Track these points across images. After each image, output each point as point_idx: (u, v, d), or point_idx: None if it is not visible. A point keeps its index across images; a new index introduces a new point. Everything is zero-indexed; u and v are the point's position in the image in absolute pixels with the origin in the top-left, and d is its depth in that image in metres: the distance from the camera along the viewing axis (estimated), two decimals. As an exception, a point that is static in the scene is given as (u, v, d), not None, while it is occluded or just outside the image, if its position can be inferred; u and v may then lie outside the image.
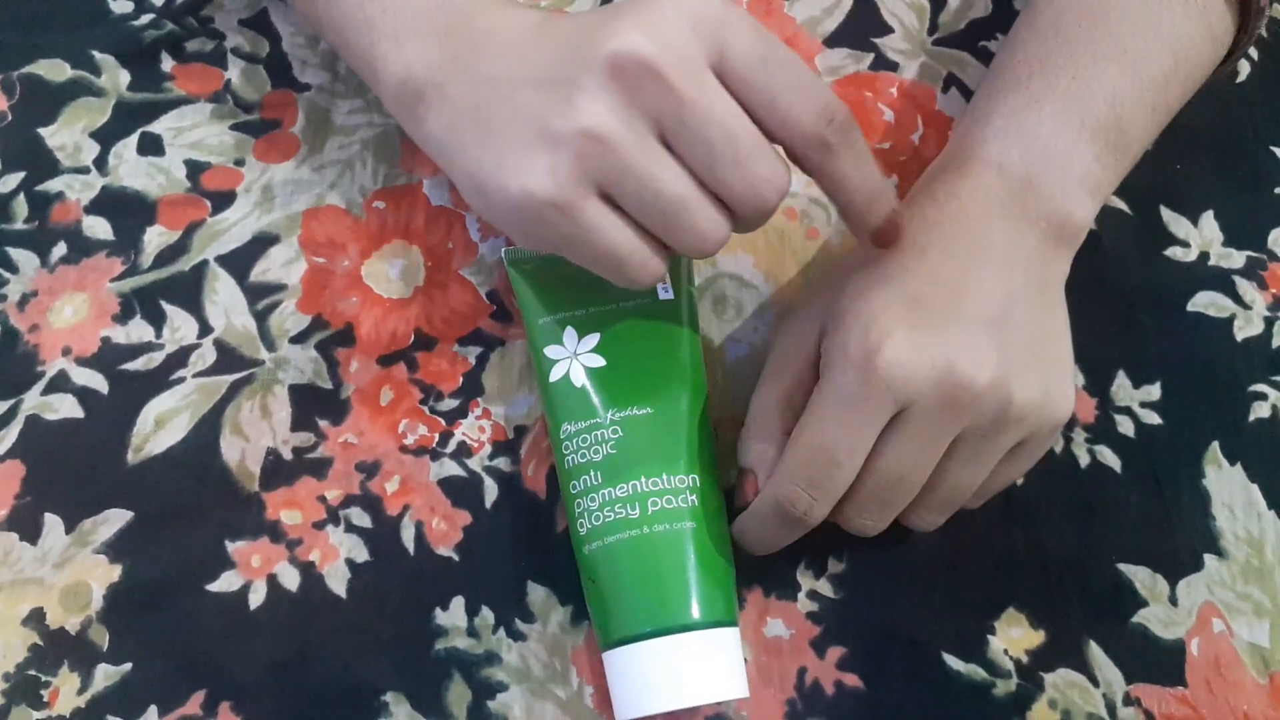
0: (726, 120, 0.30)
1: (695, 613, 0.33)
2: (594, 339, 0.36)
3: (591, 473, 0.34)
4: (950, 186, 0.36)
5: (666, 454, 0.34)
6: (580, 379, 0.35)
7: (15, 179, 0.41)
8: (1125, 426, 0.39)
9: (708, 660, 0.33)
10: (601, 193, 0.30)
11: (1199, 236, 0.42)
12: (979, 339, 0.32)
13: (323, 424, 0.38)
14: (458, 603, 0.36)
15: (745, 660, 0.35)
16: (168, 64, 0.43)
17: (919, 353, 0.31)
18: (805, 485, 0.32)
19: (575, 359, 0.36)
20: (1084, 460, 0.38)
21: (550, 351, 0.36)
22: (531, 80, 0.31)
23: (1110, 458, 0.38)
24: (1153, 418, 0.39)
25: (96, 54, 0.43)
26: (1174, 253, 0.42)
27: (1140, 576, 0.37)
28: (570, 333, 0.36)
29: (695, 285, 0.39)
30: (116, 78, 0.43)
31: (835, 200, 0.33)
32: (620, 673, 0.33)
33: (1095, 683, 0.36)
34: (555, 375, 0.36)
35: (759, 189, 0.30)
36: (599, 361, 0.36)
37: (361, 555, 0.36)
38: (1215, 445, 0.39)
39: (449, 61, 0.33)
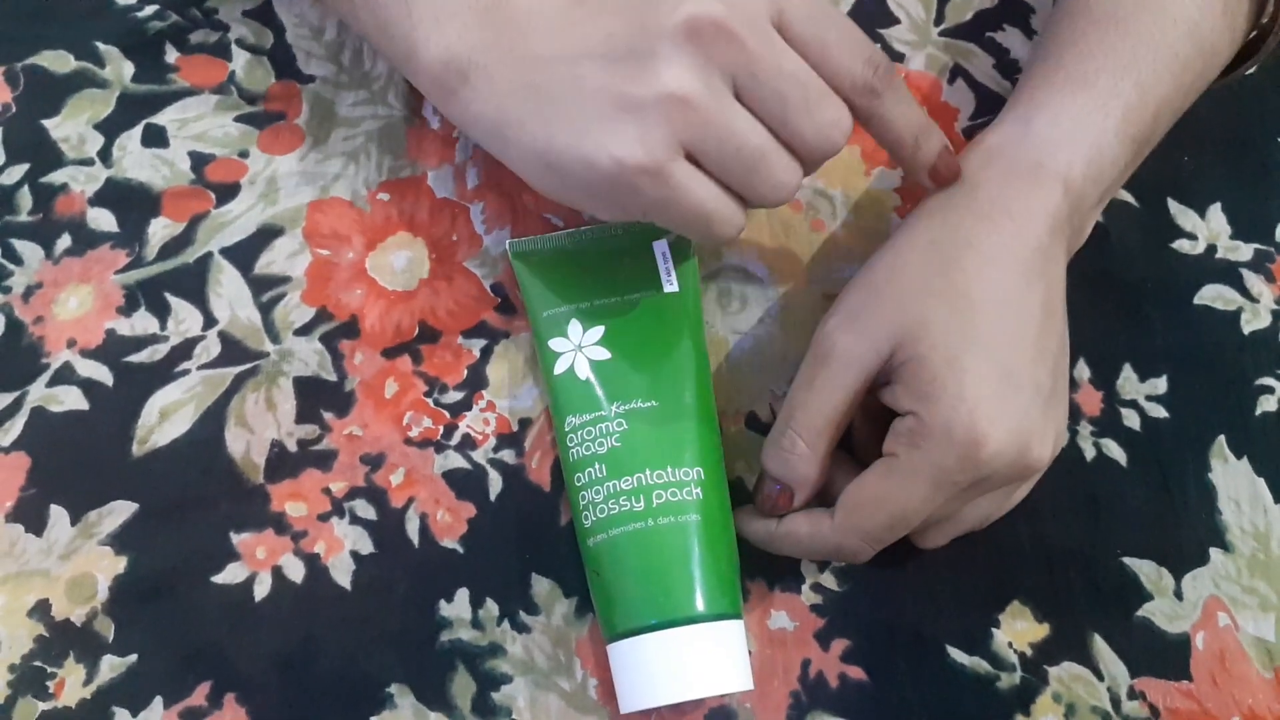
0: (796, 72, 0.32)
1: (699, 605, 0.33)
2: (599, 331, 0.36)
3: (596, 465, 0.34)
4: (1025, 203, 0.34)
5: (671, 446, 0.34)
6: (585, 372, 0.35)
7: (19, 170, 0.41)
8: (1131, 420, 0.39)
9: (711, 653, 0.32)
10: (687, 153, 0.31)
11: (1206, 229, 0.41)
12: (1049, 414, 0.33)
13: (327, 416, 0.38)
14: (462, 595, 0.36)
15: (750, 652, 0.35)
16: (172, 55, 0.43)
17: (1014, 439, 0.32)
18: (871, 542, 0.33)
19: (580, 351, 0.35)
20: (1089, 454, 0.38)
21: (555, 344, 0.36)
22: (595, 54, 0.32)
23: (1116, 451, 0.38)
24: (1159, 411, 0.39)
25: (100, 45, 0.43)
26: (1181, 245, 0.41)
27: (1145, 570, 0.37)
28: (575, 325, 0.36)
29: (701, 277, 0.39)
30: (120, 69, 0.42)
31: (886, 143, 0.35)
32: (624, 665, 0.33)
33: (1100, 676, 0.35)
34: (560, 368, 0.36)
35: (828, 133, 0.32)
36: (604, 354, 0.35)
37: (366, 547, 0.36)
38: (1222, 439, 0.38)
39: (493, 42, 0.33)
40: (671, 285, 0.37)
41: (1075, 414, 0.39)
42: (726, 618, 0.33)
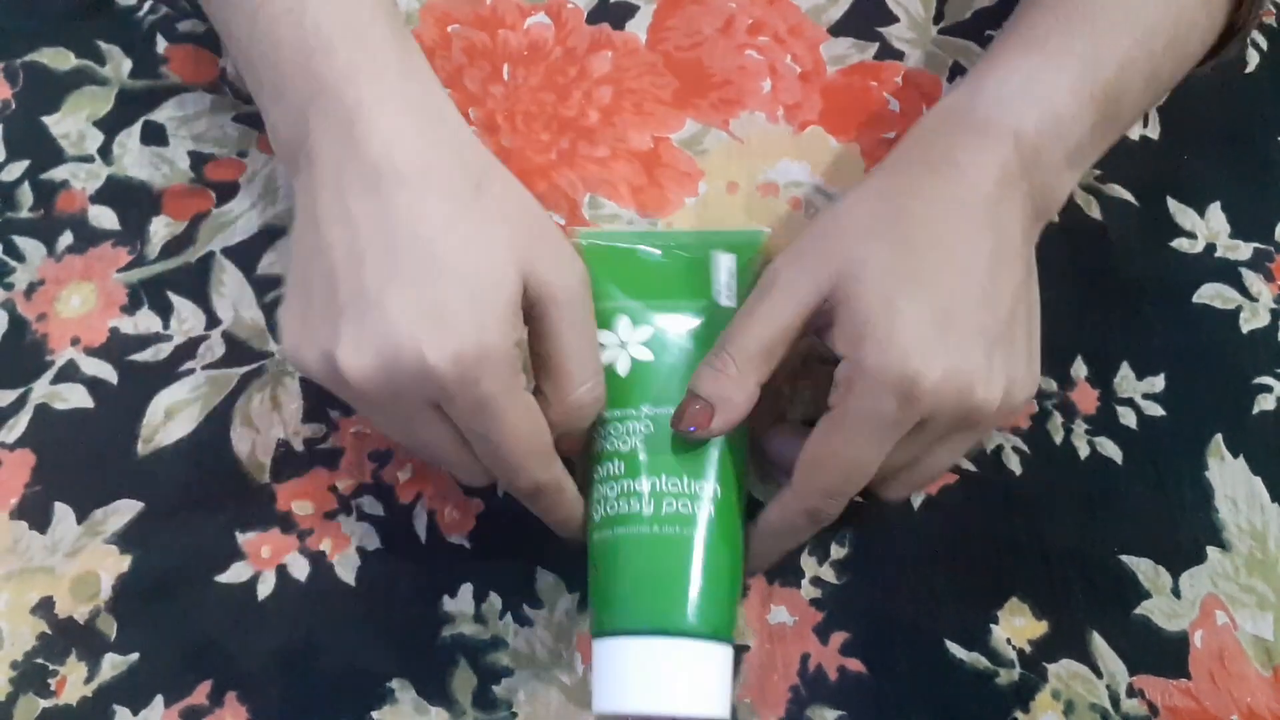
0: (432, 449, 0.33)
1: (688, 620, 0.32)
2: (646, 332, 0.35)
3: (616, 461, 0.34)
4: (973, 155, 0.34)
5: (693, 459, 0.33)
6: (625, 368, 0.34)
7: (20, 167, 0.40)
8: (1127, 418, 0.38)
9: (691, 671, 0.31)
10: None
11: (1205, 228, 0.41)
12: (995, 358, 0.32)
13: (334, 415, 0.37)
14: (466, 590, 0.35)
15: (749, 647, 0.35)
16: (161, 45, 0.42)
17: (952, 379, 0.31)
18: (834, 495, 0.32)
19: (624, 349, 0.35)
20: (1084, 452, 0.38)
21: (601, 337, 0.35)
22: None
23: (1111, 449, 0.38)
24: (1155, 409, 0.38)
25: (100, 43, 0.42)
26: (1180, 244, 0.41)
27: (1143, 568, 0.36)
28: (624, 321, 0.35)
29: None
30: (119, 66, 0.42)
31: None
32: (603, 663, 0.32)
33: (1099, 674, 0.35)
34: (603, 360, 0.35)
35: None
36: (647, 355, 0.35)
37: (373, 543, 0.36)
38: (1219, 438, 0.38)
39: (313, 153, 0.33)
40: (730, 301, 0.35)
41: (1071, 412, 0.38)
42: (715, 639, 0.32)
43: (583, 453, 0.35)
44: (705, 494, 0.33)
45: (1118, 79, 0.35)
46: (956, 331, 0.31)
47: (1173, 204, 0.41)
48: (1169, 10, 0.36)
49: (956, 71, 0.43)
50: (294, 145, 0.33)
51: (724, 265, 0.36)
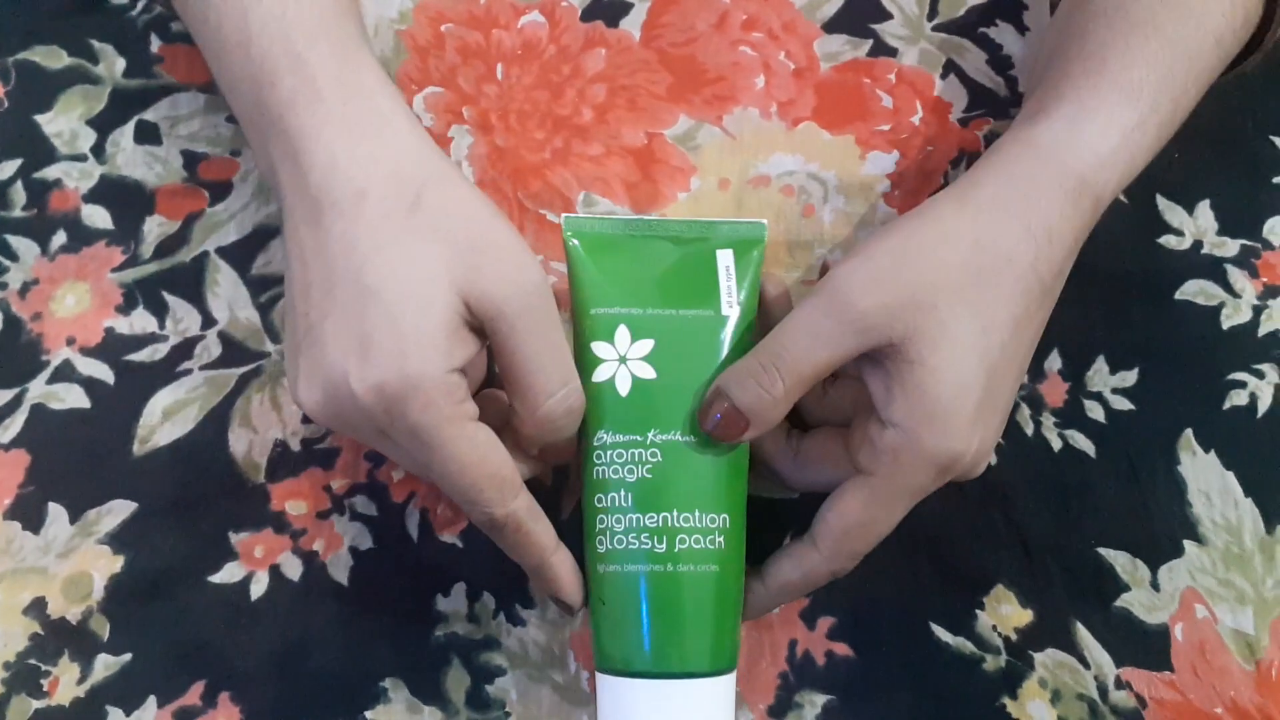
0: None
1: (700, 663, 0.31)
2: (647, 345, 0.32)
3: (621, 492, 0.31)
4: (1065, 224, 0.32)
5: (703, 489, 0.32)
6: (626, 387, 0.32)
7: (13, 166, 0.39)
8: (1095, 411, 0.38)
9: (702, 709, 0.31)
10: None
11: (1193, 225, 0.40)
12: (1000, 424, 0.32)
13: (328, 414, 0.37)
14: (459, 589, 0.35)
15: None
16: (155, 44, 0.41)
17: (981, 459, 0.31)
18: (861, 556, 0.32)
19: (624, 364, 0.32)
20: (1056, 444, 0.37)
21: (598, 349, 0.32)
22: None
23: (1083, 442, 0.37)
24: (1124, 403, 0.38)
25: (94, 41, 0.41)
26: (1167, 241, 0.40)
27: (1121, 561, 0.36)
28: (623, 333, 0.32)
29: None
30: (113, 65, 0.41)
31: None
32: (612, 701, 0.31)
33: (1085, 664, 0.35)
34: (600, 376, 0.32)
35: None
36: (649, 372, 0.32)
37: (365, 543, 0.35)
38: (1189, 432, 0.37)
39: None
40: (731, 308, 0.33)
41: (1039, 405, 0.38)
42: (723, 673, 0.31)
43: (577, 473, 0.33)
44: (717, 525, 0.31)
45: (1172, 132, 0.35)
46: (995, 413, 0.31)
47: (1162, 201, 0.40)
48: (1220, 56, 0.35)
49: (950, 68, 0.42)
50: (267, 175, 0.33)
51: (724, 264, 0.34)
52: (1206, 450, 0.37)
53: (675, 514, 0.31)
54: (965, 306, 0.30)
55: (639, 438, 0.32)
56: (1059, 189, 0.32)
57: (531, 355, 0.30)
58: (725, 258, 0.34)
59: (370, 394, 0.28)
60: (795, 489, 0.34)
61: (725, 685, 0.31)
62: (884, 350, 0.31)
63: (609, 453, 0.32)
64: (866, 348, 0.31)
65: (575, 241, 0.34)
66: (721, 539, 0.31)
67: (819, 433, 0.34)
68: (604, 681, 0.32)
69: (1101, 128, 0.33)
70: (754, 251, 0.34)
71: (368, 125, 0.31)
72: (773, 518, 0.35)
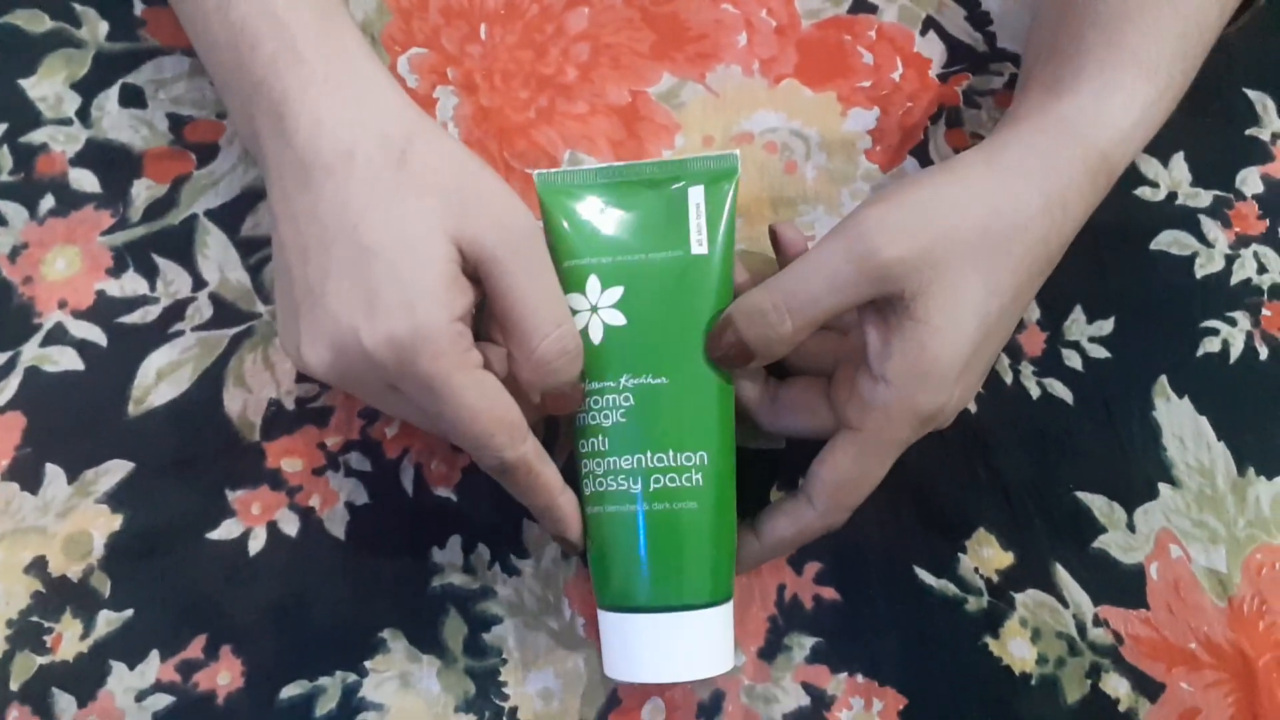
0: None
1: (688, 595, 0.31)
2: (617, 293, 0.32)
3: (599, 437, 0.32)
4: (1080, 198, 0.32)
5: (678, 429, 0.31)
6: (598, 335, 0.32)
7: (-1, 131, 0.38)
8: (1072, 360, 0.38)
9: (697, 640, 0.31)
10: None
11: (1168, 177, 0.40)
12: (981, 379, 0.33)
13: (322, 372, 0.36)
14: (454, 541, 0.35)
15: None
16: (138, 8, 0.40)
17: (956, 410, 0.32)
18: (853, 509, 0.32)
19: (595, 313, 0.32)
20: (1035, 392, 0.37)
21: (571, 300, 0.32)
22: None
23: (1061, 390, 0.37)
24: (1100, 352, 0.38)
25: (76, 5, 0.40)
26: (1143, 192, 0.40)
27: (1098, 504, 0.36)
28: (594, 282, 0.32)
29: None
30: (96, 28, 0.40)
31: None
32: (611, 636, 0.32)
33: (1064, 604, 0.35)
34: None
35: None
36: (620, 319, 0.32)
37: (361, 498, 0.35)
38: (1163, 379, 0.37)
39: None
40: (701, 247, 0.32)
41: (1017, 354, 0.38)
42: (716, 603, 0.31)
43: (569, 425, 0.33)
44: (694, 463, 0.31)
45: (1184, 89, 0.34)
46: (980, 369, 0.31)
47: (1138, 155, 0.40)
48: (1221, 20, 0.35)
49: (929, 25, 0.41)
50: (248, 140, 0.32)
51: (694, 202, 0.33)
52: (1180, 396, 0.37)
53: (649, 455, 0.31)
54: (975, 269, 0.30)
55: (612, 383, 0.31)
56: (1081, 164, 0.32)
57: (523, 297, 0.30)
58: (696, 195, 0.33)
59: (382, 348, 0.28)
60: (772, 434, 0.34)
61: (720, 615, 0.31)
62: (890, 302, 0.30)
63: (588, 399, 0.32)
64: (877, 296, 0.30)
65: (545, 197, 0.33)
66: (699, 476, 0.31)
67: (797, 381, 0.34)
68: (604, 617, 0.32)
69: (1124, 104, 0.33)
70: (725, 185, 0.33)
71: (351, 86, 0.31)
72: (764, 468, 0.35)
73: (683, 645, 0.31)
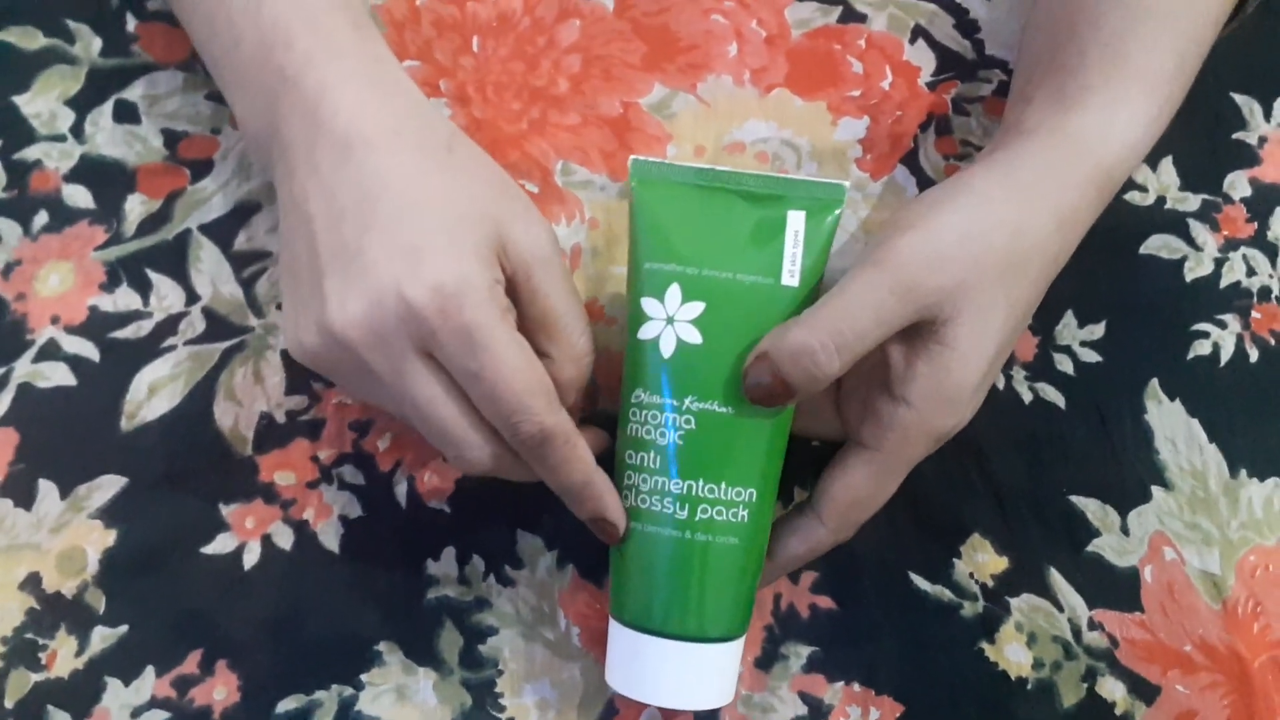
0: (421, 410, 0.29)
1: (713, 628, 0.29)
2: (697, 308, 0.29)
3: (650, 453, 0.30)
4: (1088, 214, 0.32)
5: (733, 462, 0.29)
6: (670, 348, 0.29)
7: (-7, 148, 0.37)
8: (1064, 364, 0.36)
9: (707, 673, 0.30)
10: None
11: (1157, 181, 0.39)
12: (985, 393, 0.32)
13: (316, 387, 0.35)
14: (449, 553, 0.33)
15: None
16: (131, 24, 0.39)
17: (964, 424, 0.31)
18: (858, 526, 0.31)
19: (671, 325, 0.30)
20: (1027, 397, 0.36)
21: (647, 305, 0.30)
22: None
23: (1053, 394, 0.36)
24: (1092, 356, 0.36)
25: (69, 21, 0.38)
26: (1133, 197, 0.39)
27: (1091, 508, 0.35)
28: (674, 291, 0.30)
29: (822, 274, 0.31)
30: (89, 45, 0.38)
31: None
32: (621, 647, 0.30)
33: (1060, 608, 0.34)
34: (645, 334, 0.30)
35: (461, 465, 0.29)
36: (695, 337, 0.29)
37: (354, 511, 0.34)
38: (1154, 381, 0.36)
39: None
40: (793, 279, 0.30)
41: (1009, 359, 0.36)
42: (733, 639, 0.30)
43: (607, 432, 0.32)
44: (742, 499, 0.29)
45: (1180, 102, 0.33)
46: (989, 386, 0.31)
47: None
48: (1214, 34, 0.34)
49: (919, 33, 0.40)
50: (264, 138, 0.31)
51: (793, 229, 0.30)
52: (1172, 399, 0.36)
53: (701, 483, 0.29)
54: (1001, 293, 0.29)
55: (675, 402, 0.29)
56: (1090, 183, 0.31)
57: (562, 298, 0.30)
58: (796, 221, 0.30)
59: (426, 294, 0.26)
60: None
61: (732, 651, 0.30)
62: (919, 327, 0.29)
63: (644, 412, 0.30)
64: (911, 323, 0.29)
65: (638, 186, 0.31)
66: (745, 513, 0.29)
67: None
68: (617, 628, 0.30)
69: (1129, 120, 0.32)
70: (828, 216, 0.31)
71: (392, 83, 0.31)
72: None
73: (693, 676, 0.29)
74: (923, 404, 0.29)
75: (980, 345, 0.29)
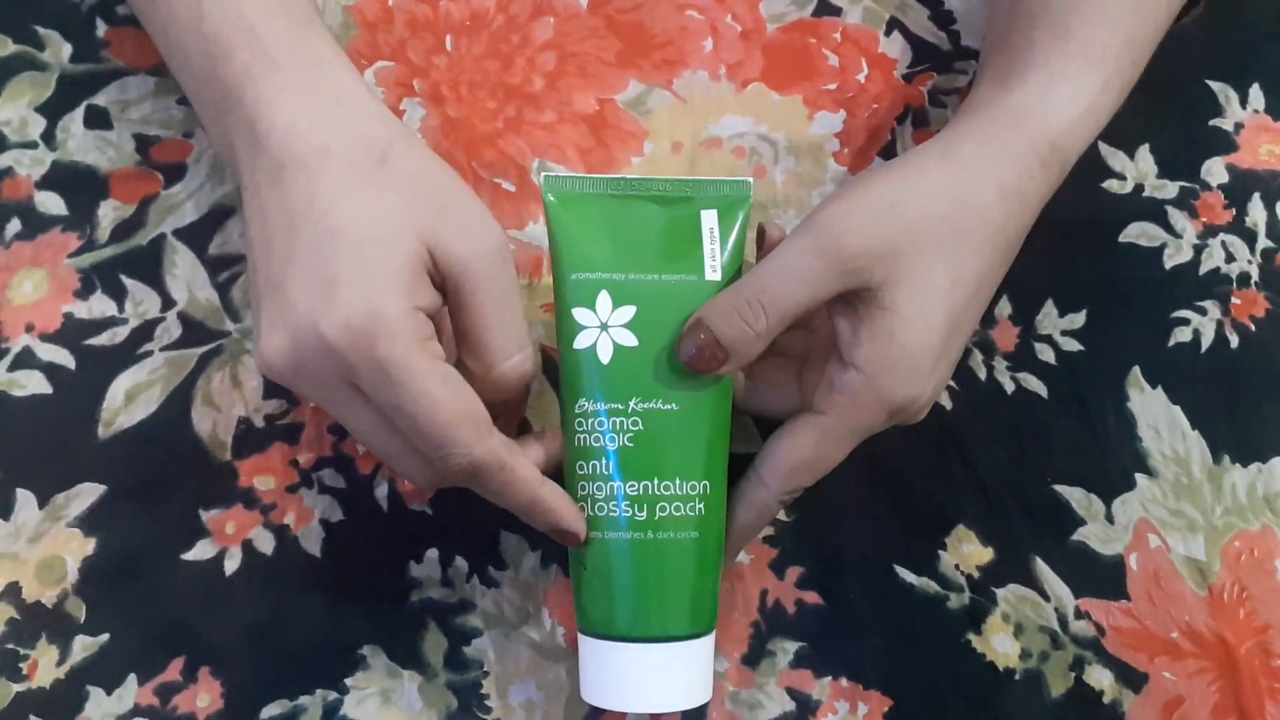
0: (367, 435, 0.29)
1: (681, 626, 0.30)
2: (629, 312, 0.30)
3: (603, 460, 0.30)
4: (1035, 187, 0.32)
5: (684, 457, 0.30)
6: (607, 354, 0.30)
7: (-36, 156, 0.37)
8: (1045, 354, 0.37)
9: (681, 672, 0.30)
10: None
11: (1135, 169, 0.39)
12: (949, 372, 0.32)
13: (292, 390, 0.35)
14: (431, 555, 0.34)
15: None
16: (101, 29, 0.39)
17: (931, 399, 0.31)
18: (801, 491, 0.31)
19: (605, 331, 0.30)
20: (1009, 387, 0.36)
21: (579, 315, 0.31)
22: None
23: (1035, 384, 0.36)
24: (1073, 345, 0.37)
25: (38, 28, 0.38)
26: (1110, 185, 0.39)
27: (1076, 497, 0.35)
28: (604, 299, 0.30)
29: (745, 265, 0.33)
30: (59, 50, 0.38)
31: None
32: (593, 661, 0.30)
33: (1045, 597, 0.34)
34: (580, 343, 0.31)
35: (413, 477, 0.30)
36: (631, 340, 0.30)
37: (335, 515, 0.34)
38: (1136, 369, 0.37)
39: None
40: (715, 273, 0.31)
41: (990, 349, 0.37)
42: (705, 634, 0.30)
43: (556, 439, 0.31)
44: (696, 492, 0.30)
45: (1134, 79, 0.34)
46: (949, 361, 0.31)
47: (1104, 147, 0.39)
48: (1171, 10, 0.34)
49: (893, 25, 0.40)
50: (222, 151, 0.31)
51: (708, 227, 0.32)
52: (1154, 386, 0.36)
53: (656, 482, 0.30)
54: (940, 259, 0.30)
55: (620, 405, 0.30)
56: (1032, 153, 0.32)
57: (491, 315, 0.29)
58: (709, 219, 0.32)
59: (337, 330, 0.26)
60: (741, 412, 0.33)
61: (704, 646, 0.30)
62: (859, 293, 0.30)
63: (590, 420, 0.30)
64: (846, 289, 0.29)
65: (555, 201, 0.32)
66: (702, 505, 0.30)
67: (770, 361, 0.32)
68: (585, 642, 0.31)
69: (1071, 94, 0.32)
70: (739, 212, 0.32)
71: (327, 93, 0.30)
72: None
73: (669, 677, 0.30)
74: (870, 368, 0.29)
75: (925, 310, 0.29)
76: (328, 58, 0.31)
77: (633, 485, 0.30)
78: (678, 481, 0.30)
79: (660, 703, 0.30)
